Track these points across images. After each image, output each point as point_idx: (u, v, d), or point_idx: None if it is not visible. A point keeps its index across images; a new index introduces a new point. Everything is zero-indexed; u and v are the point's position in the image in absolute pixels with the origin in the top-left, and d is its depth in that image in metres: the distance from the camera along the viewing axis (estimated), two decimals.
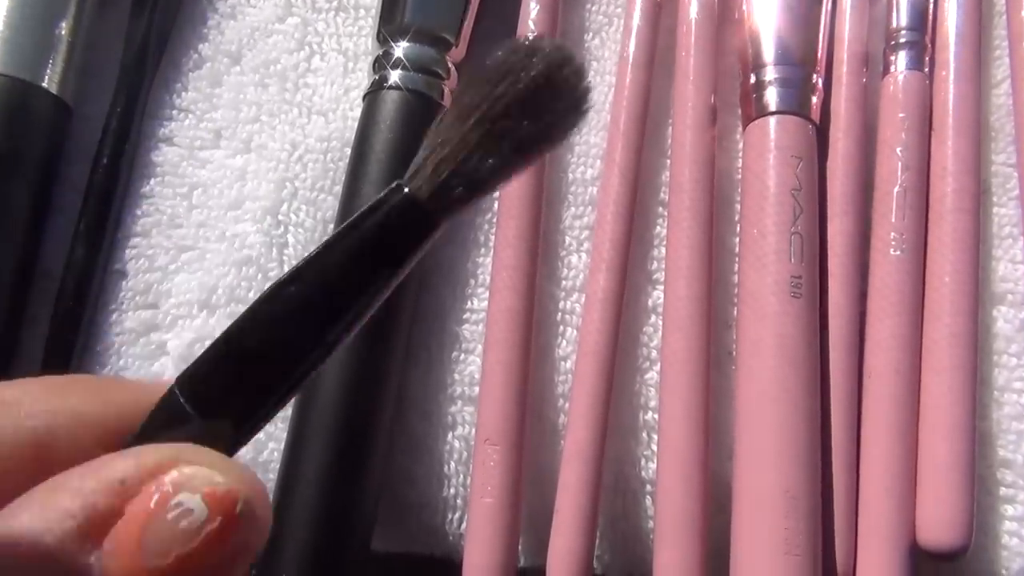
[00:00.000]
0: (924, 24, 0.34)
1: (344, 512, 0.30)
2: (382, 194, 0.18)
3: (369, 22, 0.38)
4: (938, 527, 0.28)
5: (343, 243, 0.18)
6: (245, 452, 0.32)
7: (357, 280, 0.18)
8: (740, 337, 0.31)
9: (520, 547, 0.31)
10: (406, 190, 0.18)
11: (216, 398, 0.18)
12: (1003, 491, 0.30)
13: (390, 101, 0.33)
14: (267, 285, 0.34)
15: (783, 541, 0.27)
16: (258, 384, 0.18)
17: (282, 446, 0.32)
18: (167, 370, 0.34)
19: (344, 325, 0.18)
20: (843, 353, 0.31)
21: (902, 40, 0.34)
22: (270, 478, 0.32)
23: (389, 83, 0.33)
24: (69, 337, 0.34)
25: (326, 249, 0.18)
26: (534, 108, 0.18)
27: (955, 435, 0.29)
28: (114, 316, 0.35)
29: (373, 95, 0.34)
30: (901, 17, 0.34)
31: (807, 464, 0.28)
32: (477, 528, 0.30)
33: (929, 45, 0.34)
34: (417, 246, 0.18)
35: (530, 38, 0.19)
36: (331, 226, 0.35)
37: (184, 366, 0.34)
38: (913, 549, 0.28)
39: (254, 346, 0.18)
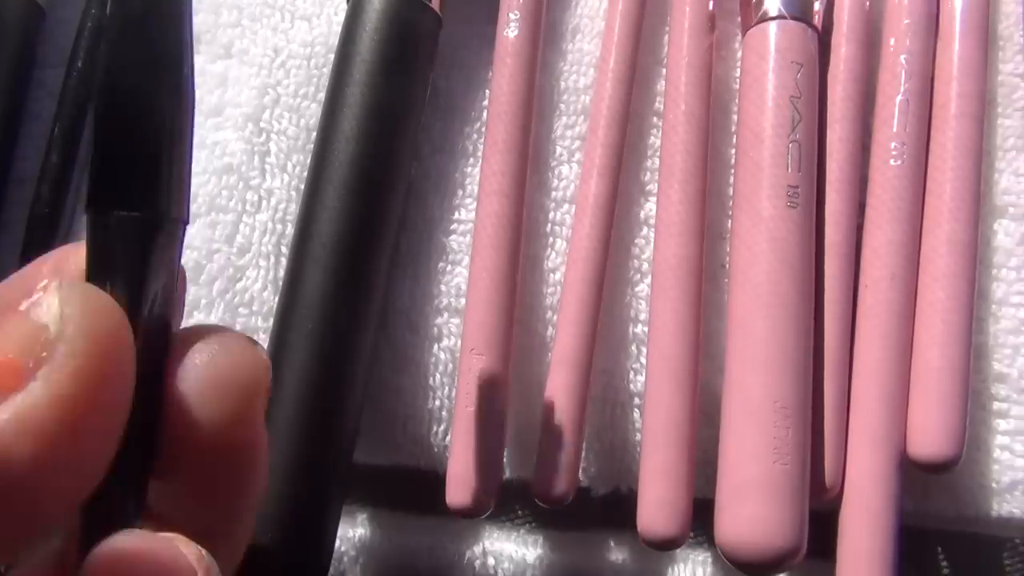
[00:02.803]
0: None
1: (327, 425, 0.29)
2: None
3: None
4: (929, 438, 0.27)
5: None
6: None
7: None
8: (734, 245, 0.30)
9: (506, 460, 0.30)
10: None
11: (113, 187, 0.17)
12: (996, 405, 0.29)
13: (376, 2, 0.32)
14: (248, 194, 0.33)
15: (772, 450, 0.26)
16: (142, 154, 0.17)
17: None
18: None
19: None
20: (839, 262, 0.30)
21: None
22: None
23: None
24: (45, 242, 0.33)
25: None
26: None
27: (950, 345, 0.28)
28: None
29: None
30: None
31: (798, 373, 0.27)
32: (460, 437, 0.29)
33: None
34: None
35: None
36: (314, 134, 0.33)
37: None
38: (904, 460, 0.28)
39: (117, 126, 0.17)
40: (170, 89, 0.17)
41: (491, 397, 0.29)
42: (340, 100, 0.31)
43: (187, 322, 0.32)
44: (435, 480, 0.30)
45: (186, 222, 0.18)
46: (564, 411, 0.29)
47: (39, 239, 0.33)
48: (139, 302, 0.17)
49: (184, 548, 0.16)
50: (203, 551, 0.17)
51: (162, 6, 0.17)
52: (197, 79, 0.34)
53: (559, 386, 0.29)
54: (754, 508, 0.26)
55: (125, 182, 0.17)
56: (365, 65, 0.31)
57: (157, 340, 0.17)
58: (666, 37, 0.34)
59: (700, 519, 0.28)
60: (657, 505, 0.28)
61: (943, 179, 0.30)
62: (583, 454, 0.30)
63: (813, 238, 0.29)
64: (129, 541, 0.16)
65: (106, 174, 0.17)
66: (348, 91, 0.31)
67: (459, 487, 0.28)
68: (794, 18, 0.31)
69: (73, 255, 0.18)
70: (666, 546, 0.28)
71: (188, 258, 0.33)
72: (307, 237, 0.30)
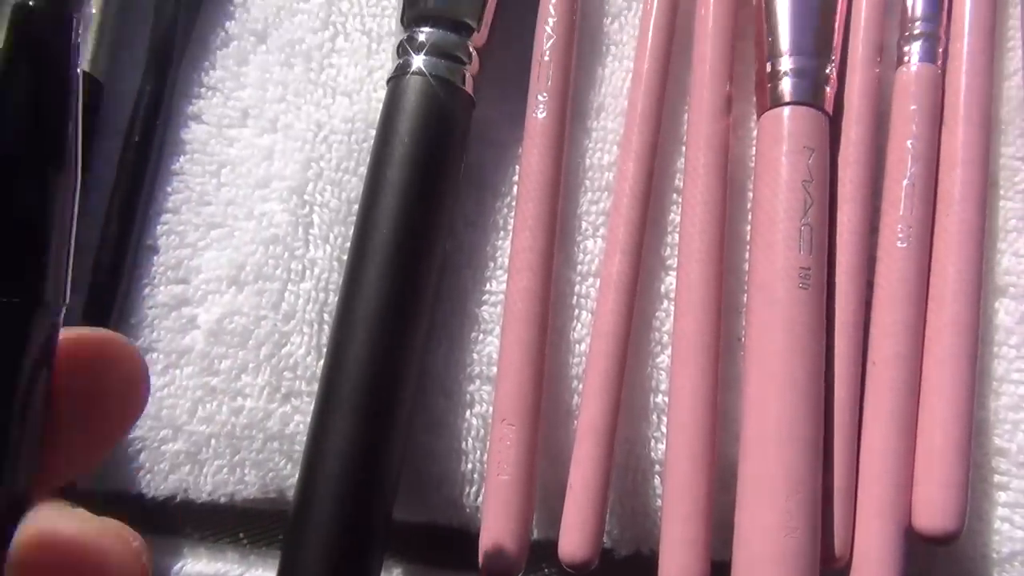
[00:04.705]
0: (939, 14, 0.34)
1: (368, 484, 0.31)
2: None
3: (392, 2, 0.39)
4: (933, 511, 0.29)
5: None
6: (272, 425, 0.34)
7: None
8: (749, 324, 0.32)
9: (534, 521, 0.32)
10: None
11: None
12: (997, 478, 0.31)
13: (413, 86, 0.34)
14: (293, 263, 0.36)
15: (784, 522, 0.28)
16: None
17: (307, 419, 0.34)
18: (197, 343, 0.35)
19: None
20: (847, 340, 0.32)
21: (916, 31, 0.34)
22: (296, 450, 0.34)
23: (413, 69, 0.34)
24: (105, 310, 0.35)
25: None
26: None
27: (953, 423, 0.30)
28: (147, 290, 0.36)
29: (397, 80, 0.34)
30: (917, 6, 0.35)
31: (809, 448, 0.29)
32: (494, 504, 0.31)
33: (943, 36, 0.34)
34: None
35: None
36: (355, 206, 0.36)
37: (214, 340, 0.35)
38: (909, 532, 0.30)
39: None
40: (48, 160, 0.16)
41: (522, 465, 0.31)
42: (380, 178, 0.34)
43: (234, 384, 0.35)
44: (467, 538, 0.33)
45: (62, 307, 0.16)
46: (589, 478, 0.31)
47: (99, 307, 0.35)
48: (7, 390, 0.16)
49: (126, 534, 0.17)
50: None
51: (36, 66, 0.15)
52: (246, 152, 0.37)
53: (584, 454, 0.31)
54: None
55: None
56: (404, 146, 0.34)
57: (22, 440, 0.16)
58: (686, 116, 0.36)
59: None
60: (677, 571, 0.30)
61: (947, 261, 0.31)
62: (607, 517, 0.32)
63: (824, 318, 0.31)
64: (61, 522, 0.17)
65: None
66: (388, 170, 0.34)
67: (492, 553, 0.31)
68: (806, 103, 0.33)
69: None
70: None
71: (236, 323, 0.35)
72: (350, 308, 0.33)
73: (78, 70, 0.16)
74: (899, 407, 0.30)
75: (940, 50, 0.34)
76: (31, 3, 0.16)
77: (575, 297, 0.35)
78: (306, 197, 0.37)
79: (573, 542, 0.31)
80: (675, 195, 0.35)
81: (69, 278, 0.16)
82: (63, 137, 0.16)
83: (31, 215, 0.16)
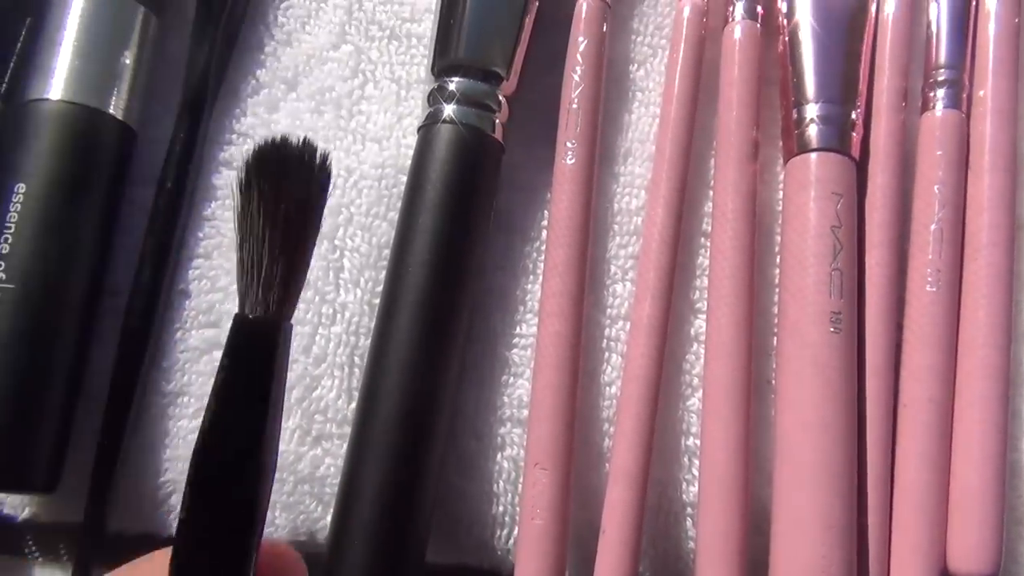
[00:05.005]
0: (963, 62, 0.35)
1: (401, 526, 0.32)
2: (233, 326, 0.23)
3: (421, 50, 0.40)
4: (968, 554, 0.29)
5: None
6: (303, 468, 0.34)
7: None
8: (780, 367, 0.32)
9: (567, 564, 0.32)
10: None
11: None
12: None
13: (444, 135, 0.35)
14: (324, 308, 0.36)
15: (820, 567, 0.28)
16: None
17: (338, 462, 0.34)
18: None
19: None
20: (879, 383, 0.32)
21: (941, 78, 0.35)
22: (327, 492, 0.34)
23: (443, 118, 0.35)
24: (137, 354, 0.36)
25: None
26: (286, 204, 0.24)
27: (986, 465, 0.30)
28: (178, 334, 0.36)
29: (427, 128, 0.35)
30: (941, 54, 0.35)
31: (844, 492, 0.29)
32: (527, 547, 0.31)
33: (967, 83, 0.35)
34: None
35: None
36: (385, 251, 0.36)
37: None
38: (944, 575, 0.30)
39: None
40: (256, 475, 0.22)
41: (555, 509, 0.31)
42: (412, 223, 0.34)
43: None
44: None
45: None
46: (622, 521, 0.31)
47: (131, 350, 0.36)
48: None
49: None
50: None
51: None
52: None
53: (617, 497, 0.31)
54: None
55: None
56: (435, 192, 0.34)
57: None
58: (712, 161, 0.36)
59: None
60: None
61: (976, 305, 0.32)
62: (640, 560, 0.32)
63: (855, 361, 0.31)
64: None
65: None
66: (419, 215, 0.34)
67: None
68: (833, 150, 0.33)
69: None
70: None
71: None
72: (382, 351, 0.33)
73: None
74: (931, 449, 0.30)
75: (964, 96, 0.35)
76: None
77: (605, 340, 0.35)
78: (336, 242, 0.37)
79: None
80: (703, 239, 0.36)
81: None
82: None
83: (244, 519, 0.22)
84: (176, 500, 0.35)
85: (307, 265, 0.25)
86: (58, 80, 0.36)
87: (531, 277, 0.36)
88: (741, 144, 0.35)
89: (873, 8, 0.36)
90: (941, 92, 0.35)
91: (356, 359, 0.36)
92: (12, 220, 0.34)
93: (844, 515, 0.29)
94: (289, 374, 0.35)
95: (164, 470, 0.35)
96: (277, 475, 0.34)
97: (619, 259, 0.36)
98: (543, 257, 0.36)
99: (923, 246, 0.33)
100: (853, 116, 0.34)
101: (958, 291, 0.32)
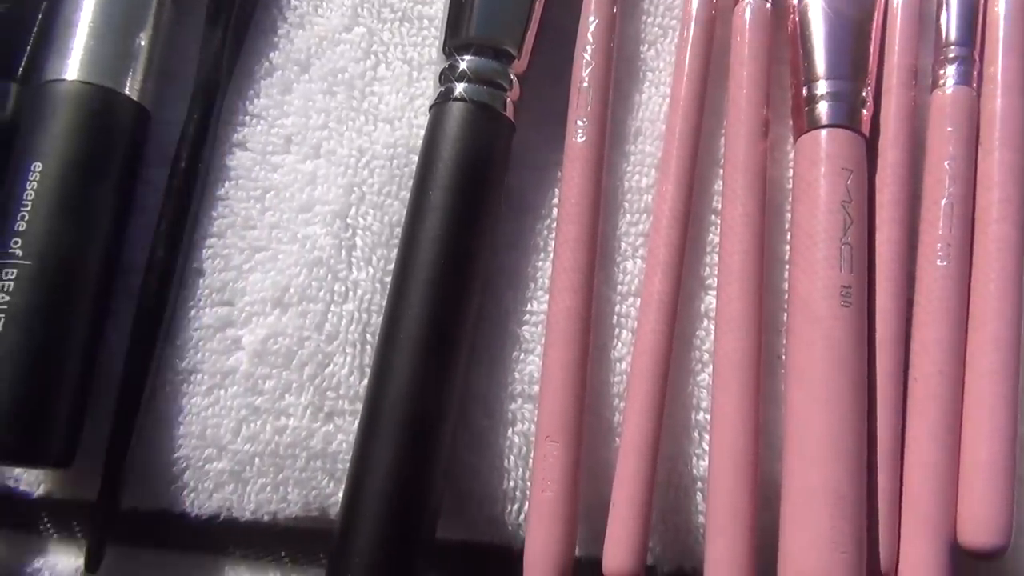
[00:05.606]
0: (973, 39, 0.35)
1: (412, 502, 0.32)
2: None
3: (432, 32, 0.40)
4: (978, 527, 0.29)
5: None
6: (315, 444, 0.34)
7: None
8: (790, 342, 0.32)
9: (577, 537, 0.33)
10: None
11: None
12: None
13: (455, 112, 0.35)
14: (336, 285, 0.36)
15: (831, 540, 0.28)
16: None
17: (350, 438, 0.34)
18: (242, 364, 0.36)
19: None
20: (889, 357, 0.32)
21: (951, 55, 0.35)
22: (339, 468, 0.35)
23: (455, 95, 0.35)
24: (151, 332, 0.36)
25: None
26: None
27: (996, 438, 0.30)
28: (192, 312, 0.37)
29: (439, 106, 0.35)
30: (951, 31, 0.35)
31: (854, 465, 0.29)
32: (537, 520, 0.31)
33: (977, 60, 0.35)
34: None
35: None
36: (397, 230, 0.36)
37: (258, 361, 0.36)
38: (954, 548, 0.30)
39: None
40: None
41: (566, 482, 0.32)
42: (423, 201, 0.34)
43: (278, 404, 0.35)
44: (509, 556, 0.33)
45: None
46: (633, 495, 0.31)
47: (146, 328, 0.36)
48: None
49: None
50: None
51: None
52: (289, 177, 0.38)
53: (627, 471, 0.31)
54: None
55: None
56: (446, 170, 0.34)
57: None
58: (723, 139, 0.36)
59: None
60: None
61: (987, 279, 0.32)
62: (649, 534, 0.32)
63: (865, 335, 0.31)
64: None
65: None
66: (431, 193, 0.34)
67: (536, 570, 0.31)
68: (843, 126, 0.34)
69: None
70: None
71: (280, 344, 0.36)
72: (394, 328, 0.33)
73: None
74: (942, 423, 0.30)
75: (975, 72, 0.35)
76: None
77: (616, 316, 0.35)
78: (349, 221, 0.37)
79: (617, 559, 0.31)
80: (713, 216, 0.36)
81: None
82: None
83: None
84: (189, 477, 0.35)
85: None
86: (74, 61, 0.36)
87: (542, 255, 0.36)
88: (751, 122, 0.35)
89: None
90: (951, 69, 0.35)
91: (368, 336, 0.36)
92: (29, 199, 0.34)
93: (854, 489, 0.29)
94: (302, 351, 0.36)
95: (178, 447, 0.35)
96: (290, 451, 0.35)
97: (629, 236, 0.36)
98: (554, 235, 0.36)
99: (933, 221, 0.33)
100: (863, 93, 0.34)
101: (968, 266, 0.32)
